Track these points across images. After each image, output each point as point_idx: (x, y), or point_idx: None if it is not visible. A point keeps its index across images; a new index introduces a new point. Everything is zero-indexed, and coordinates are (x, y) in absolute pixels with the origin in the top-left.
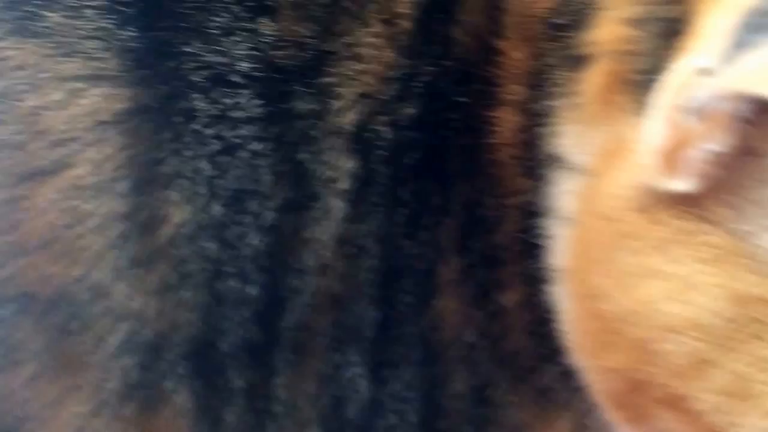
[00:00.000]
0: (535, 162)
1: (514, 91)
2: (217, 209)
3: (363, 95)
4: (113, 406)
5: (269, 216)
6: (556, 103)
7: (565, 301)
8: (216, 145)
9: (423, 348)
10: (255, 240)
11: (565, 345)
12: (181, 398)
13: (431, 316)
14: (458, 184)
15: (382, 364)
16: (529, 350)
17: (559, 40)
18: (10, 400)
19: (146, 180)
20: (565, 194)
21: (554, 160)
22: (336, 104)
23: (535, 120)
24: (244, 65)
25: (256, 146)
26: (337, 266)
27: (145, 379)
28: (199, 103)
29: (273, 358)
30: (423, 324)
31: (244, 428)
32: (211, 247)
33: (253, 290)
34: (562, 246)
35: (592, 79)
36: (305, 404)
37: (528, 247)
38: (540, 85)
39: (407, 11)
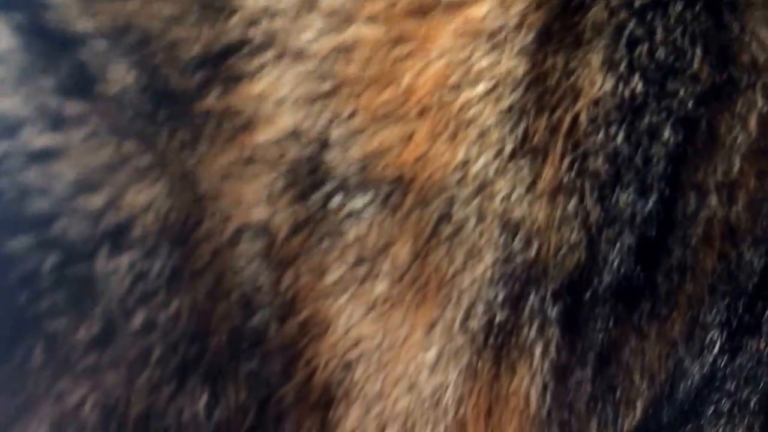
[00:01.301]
0: None
1: None
2: (637, 85)
3: None
4: (466, 355)
5: (688, 103)
6: None
7: None
8: None
9: None
10: (666, 135)
11: None
12: (539, 354)
13: None
14: None
15: (742, 327)
16: None
17: None
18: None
19: (557, 31)
20: None
21: None
22: None
23: None
24: None
25: (683, 5)
26: (746, 185)
27: (508, 322)
28: None
29: (638, 309)
30: None
31: (589, 410)
32: (618, 139)
33: (646, 208)
34: None
35: None
36: (641, 376)
37: None
38: None
39: None
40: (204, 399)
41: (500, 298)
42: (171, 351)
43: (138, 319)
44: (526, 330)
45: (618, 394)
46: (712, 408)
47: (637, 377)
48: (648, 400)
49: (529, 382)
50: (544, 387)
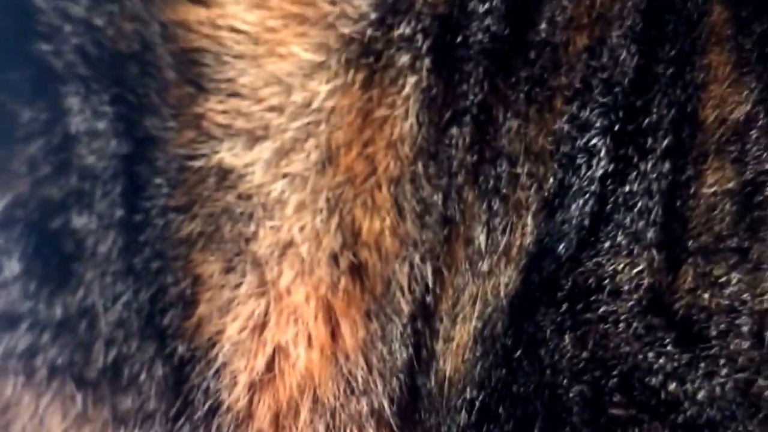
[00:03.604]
0: None
1: None
2: None
3: None
4: (337, 64)
5: None
6: None
7: None
8: None
9: None
10: None
11: None
12: (411, 84)
13: None
14: None
15: (626, 137)
16: None
17: None
18: None
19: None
20: None
21: None
22: None
23: None
24: None
25: None
26: None
27: (379, 41)
28: None
29: (512, 76)
30: None
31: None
32: None
33: None
34: None
35: None
36: (524, 168)
37: None
38: None
39: None
40: None
41: (372, 17)
42: None
43: None
44: (397, 56)
45: (501, 182)
46: (607, 242)
47: (521, 170)
48: (538, 208)
49: (402, 113)
50: (418, 123)
